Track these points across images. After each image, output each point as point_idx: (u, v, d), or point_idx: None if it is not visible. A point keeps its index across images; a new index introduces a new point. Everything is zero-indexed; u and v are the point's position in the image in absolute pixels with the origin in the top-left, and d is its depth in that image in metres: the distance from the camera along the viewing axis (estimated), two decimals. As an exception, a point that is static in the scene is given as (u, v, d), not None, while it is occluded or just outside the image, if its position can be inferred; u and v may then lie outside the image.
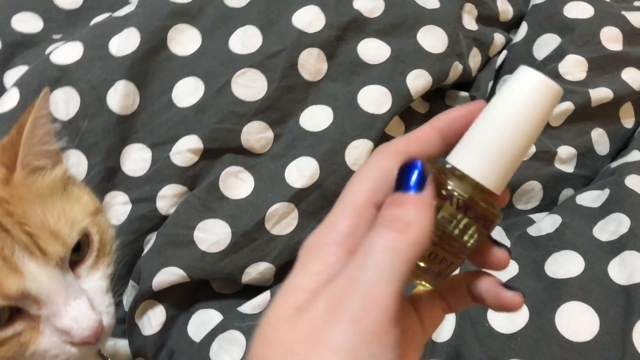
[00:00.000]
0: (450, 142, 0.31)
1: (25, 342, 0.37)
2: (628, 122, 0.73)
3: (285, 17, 0.64)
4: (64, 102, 0.59)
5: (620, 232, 0.56)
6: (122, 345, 0.58)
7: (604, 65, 0.71)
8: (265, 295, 0.57)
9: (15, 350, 0.37)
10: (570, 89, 0.68)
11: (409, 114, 0.67)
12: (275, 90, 0.61)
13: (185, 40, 0.63)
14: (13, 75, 0.66)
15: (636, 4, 0.81)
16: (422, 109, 0.70)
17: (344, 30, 0.64)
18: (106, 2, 0.76)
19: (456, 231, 0.29)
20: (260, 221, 0.58)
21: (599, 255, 0.55)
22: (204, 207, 0.58)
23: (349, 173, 0.60)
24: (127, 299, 0.58)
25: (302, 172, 0.59)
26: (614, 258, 0.54)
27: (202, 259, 0.56)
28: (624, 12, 0.75)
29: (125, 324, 0.57)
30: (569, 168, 0.68)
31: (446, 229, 0.29)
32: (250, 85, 0.61)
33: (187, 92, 0.61)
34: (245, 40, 0.63)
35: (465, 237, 0.29)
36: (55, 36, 0.72)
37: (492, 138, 0.29)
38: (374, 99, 0.63)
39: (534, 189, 0.66)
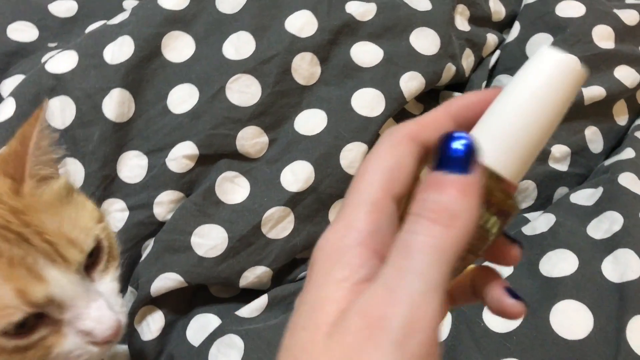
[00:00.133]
0: (463, 129, 0.27)
1: (49, 346, 0.39)
2: (621, 119, 0.73)
3: (278, 23, 0.64)
4: (60, 111, 0.60)
5: (613, 230, 0.56)
6: (121, 350, 0.59)
7: (597, 64, 0.71)
8: (263, 299, 0.57)
9: (41, 354, 0.39)
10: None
11: (403, 116, 0.68)
12: (269, 95, 0.62)
13: (179, 47, 0.63)
14: (9, 84, 0.67)
15: (628, 1, 0.81)
16: (416, 110, 0.71)
17: (337, 34, 0.65)
18: (101, 9, 0.76)
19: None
20: (257, 225, 0.58)
21: (593, 253, 0.55)
22: (201, 212, 0.58)
23: (343, 176, 0.60)
24: (126, 304, 0.59)
25: (297, 176, 0.60)
26: (607, 256, 0.54)
27: (199, 264, 0.57)
28: (615, 10, 0.75)
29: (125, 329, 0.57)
30: (563, 167, 0.68)
31: None
32: (244, 91, 0.61)
33: (182, 98, 0.62)
34: (239, 46, 0.63)
35: (483, 231, 0.27)
36: (51, 44, 0.73)
37: (510, 124, 0.26)
38: (368, 102, 0.63)
39: (528, 188, 0.67)
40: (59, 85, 0.61)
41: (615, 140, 0.73)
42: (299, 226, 0.59)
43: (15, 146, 0.42)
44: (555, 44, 0.72)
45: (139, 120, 0.61)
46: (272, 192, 0.60)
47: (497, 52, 0.77)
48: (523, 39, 0.76)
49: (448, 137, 0.24)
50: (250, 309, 0.57)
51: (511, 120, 0.26)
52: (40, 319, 0.39)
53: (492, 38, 0.77)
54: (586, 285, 0.53)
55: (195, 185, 0.60)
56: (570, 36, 0.72)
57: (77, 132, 0.59)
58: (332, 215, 0.61)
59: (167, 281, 0.56)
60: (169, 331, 0.58)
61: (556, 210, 0.62)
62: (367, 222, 0.24)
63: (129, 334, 0.57)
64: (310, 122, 0.63)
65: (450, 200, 0.23)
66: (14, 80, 0.66)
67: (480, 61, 0.76)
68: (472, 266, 0.30)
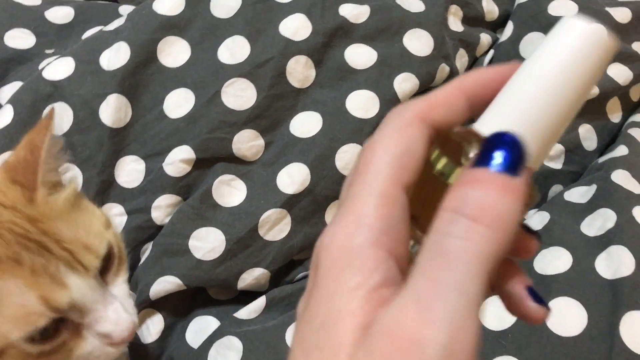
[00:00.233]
0: (477, 108, 0.25)
1: (70, 349, 0.41)
2: (615, 117, 0.74)
3: (272, 26, 0.65)
4: (58, 117, 0.60)
5: (606, 227, 0.57)
6: (121, 353, 0.59)
7: (589, 62, 0.71)
8: (261, 301, 0.58)
9: (63, 357, 0.41)
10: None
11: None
12: (264, 98, 0.62)
13: (174, 52, 0.64)
14: (7, 91, 0.67)
15: (620, -1, 0.82)
16: (411, 111, 0.71)
17: (331, 36, 0.65)
18: (97, 15, 0.77)
19: None
20: (254, 228, 0.59)
21: (587, 250, 0.56)
22: (198, 216, 0.59)
23: (339, 177, 0.61)
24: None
25: (293, 178, 0.60)
26: (601, 253, 0.55)
27: (197, 267, 0.57)
28: (607, 9, 0.76)
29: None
30: (557, 165, 0.69)
31: None
32: (239, 95, 0.62)
33: (178, 103, 0.62)
34: (234, 50, 0.64)
35: None
36: (48, 51, 0.73)
37: (530, 102, 0.23)
38: (362, 104, 0.64)
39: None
40: (56, 92, 0.61)
41: (609, 137, 0.73)
42: (295, 228, 0.60)
43: (25, 154, 0.43)
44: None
45: (136, 126, 0.62)
46: (269, 194, 0.60)
47: (491, 52, 0.78)
48: (516, 38, 0.76)
49: (497, 136, 0.22)
50: (249, 311, 0.57)
51: (531, 98, 0.23)
52: (62, 323, 0.40)
53: (485, 38, 0.77)
54: (580, 282, 0.53)
55: (192, 188, 0.61)
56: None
57: (75, 138, 0.60)
58: (328, 216, 0.62)
59: (165, 284, 0.56)
60: (168, 334, 0.58)
61: (550, 208, 0.63)
62: (378, 217, 0.22)
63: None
64: (306, 124, 0.63)
65: (496, 199, 0.20)
66: (12, 88, 0.67)
67: (474, 61, 0.77)
68: None
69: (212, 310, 0.60)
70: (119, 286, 0.46)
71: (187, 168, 0.60)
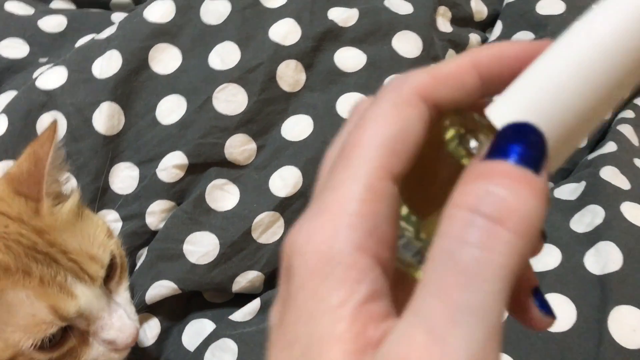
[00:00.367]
0: (491, 89, 0.21)
1: (77, 356, 0.43)
2: (605, 113, 0.74)
3: (262, 32, 0.65)
4: (52, 126, 0.61)
5: (595, 223, 0.57)
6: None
7: (578, 60, 0.72)
8: (256, 303, 0.59)
9: None
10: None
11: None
12: (255, 103, 0.63)
13: (166, 59, 0.65)
14: (2, 101, 0.68)
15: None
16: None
17: (320, 40, 0.66)
18: (90, 23, 0.78)
19: None
20: (247, 231, 0.59)
21: (576, 247, 0.56)
22: (192, 220, 0.60)
23: (331, 180, 0.62)
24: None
25: (285, 181, 0.61)
26: (589, 249, 0.55)
27: (192, 271, 0.58)
28: (594, 6, 0.76)
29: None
30: (547, 162, 0.70)
31: None
32: (231, 100, 0.63)
33: (170, 109, 0.63)
34: (224, 56, 0.64)
35: None
36: (42, 60, 0.74)
37: (560, 90, 0.19)
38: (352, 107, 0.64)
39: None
40: (49, 101, 0.62)
41: (599, 134, 0.74)
42: (288, 231, 0.60)
43: (29, 166, 0.45)
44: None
45: (129, 133, 0.62)
46: (262, 198, 0.61)
47: (481, 52, 0.79)
48: (505, 37, 0.77)
49: (514, 127, 0.18)
50: (244, 313, 0.58)
51: (561, 87, 0.19)
52: (69, 331, 0.42)
53: (474, 38, 0.78)
54: (569, 278, 0.54)
55: (185, 194, 0.62)
56: (551, 33, 0.73)
57: (69, 147, 0.60)
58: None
59: (161, 289, 0.57)
60: (165, 337, 0.59)
61: (540, 205, 0.63)
62: (362, 215, 0.18)
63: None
64: (297, 128, 0.64)
65: (524, 198, 0.16)
66: (7, 97, 0.67)
67: (464, 61, 0.78)
68: None
69: (208, 313, 0.60)
70: (122, 294, 0.48)
71: (180, 173, 0.61)
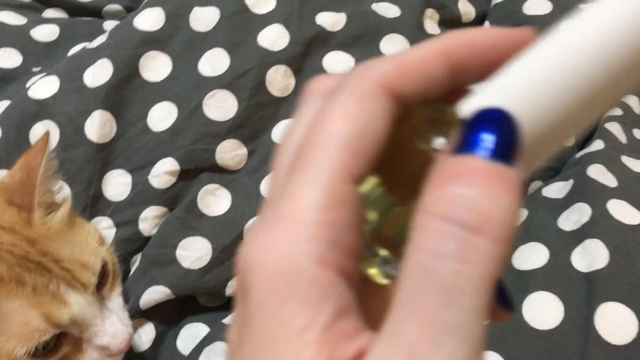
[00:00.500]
0: (463, 78, 0.19)
1: None
2: (593, 111, 0.75)
3: (251, 38, 0.66)
4: (44, 135, 0.62)
5: (582, 221, 0.58)
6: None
7: (565, 59, 0.73)
8: (249, 306, 0.59)
9: None
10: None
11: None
12: (245, 108, 0.64)
13: (156, 66, 0.66)
14: (-4, 110, 0.69)
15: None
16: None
17: (309, 45, 0.67)
18: (82, 32, 0.78)
19: None
20: (239, 235, 0.60)
21: (563, 245, 0.57)
22: (184, 225, 0.60)
23: (321, 183, 0.62)
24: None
25: (276, 185, 0.62)
26: (576, 247, 0.56)
27: (185, 276, 0.59)
28: (581, 6, 0.77)
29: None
30: (535, 161, 0.70)
31: None
32: (221, 106, 0.64)
33: (162, 116, 0.64)
34: (214, 62, 0.65)
35: None
36: (35, 69, 0.75)
37: (543, 87, 0.18)
38: (341, 110, 0.65)
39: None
40: (42, 110, 0.63)
41: (588, 132, 0.75)
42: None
43: (21, 177, 0.46)
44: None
45: (121, 140, 0.63)
46: (253, 202, 0.62)
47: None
48: (493, 38, 0.78)
49: (485, 113, 0.17)
50: (237, 317, 0.59)
51: (551, 85, 0.17)
52: (63, 338, 0.43)
53: (463, 39, 0.79)
54: (556, 276, 0.54)
55: (178, 199, 0.62)
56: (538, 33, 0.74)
57: (62, 155, 0.61)
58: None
59: (155, 294, 0.58)
60: (160, 342, 0.60)
61: (528, 204, 0.64)
62: (323, 225, 0.17)
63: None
64: (287, 132, 0.65)
65: (497, 199, 0.15)
66: (1, 106, 0.68)
67: (452, 62, 0.78)
68: None
69: (202, 318, 0.61)
70: (115, 300, 0.49)
71: (172, 179, 0.62)
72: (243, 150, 0.64)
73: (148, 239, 0.61)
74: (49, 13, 0.84)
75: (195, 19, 0.67)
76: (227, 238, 0.60)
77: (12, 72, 0.74)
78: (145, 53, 0.65)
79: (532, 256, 0.57)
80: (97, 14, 0.84)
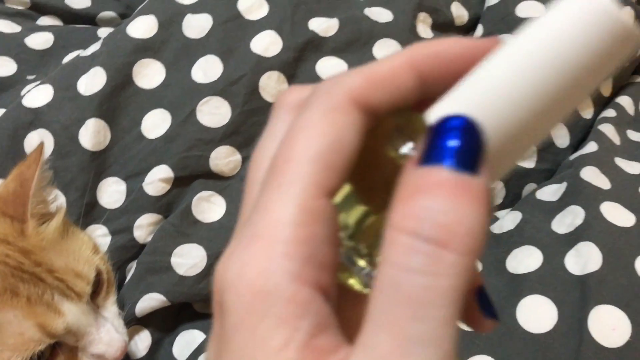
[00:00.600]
0: (432, 88, 0.19)
1: None
2: (587, 113, 0.75)
3: (244, 44, 0.66)
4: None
5: (575, 224, 0.58)
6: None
7: (558, 61, 0.73)
8: (244, 312, 0.60)
9: None
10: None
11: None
12: (239, 114, 0.64)
13: (150, 74, 0.66)
14: (-9, 119, 0.69)
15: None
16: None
17: (301, 51, 0.67)
18: (76, 39, 0.79)
19: None
20: (234, 242, 0.60)
21: (557, 248, 0.57)
22: (179, 233, 0.61)
23: (315, 188, 0.63)
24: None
25: (270, 191, 0.62)
26: (570, 250, 0.56)
27: (180, 283, 0.59)
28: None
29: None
30: (529, 164, 0.70)
31: None
32: (214, 112, 0.64)
33: (155, 123, 0.64)
34: (207, 69, 0.65)
35: None
36: (30, 77, 0.75)
37: (505, 94, 0.18)
38: (335, 115, 0.65)
39: (495, 188, 0.69)
40: (36, 119, 0.63)
41: (582, 134, 0.75)
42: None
43: (15, 188, 0.46)
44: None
45: (116, 148, 0.63)
46: (248, 208, 0.62)
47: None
48: (487, 41, 0.78)
49: (447, 121, 0.17)
50: (232, 323, 0.59)
51: (513, 93, 0.18)
52: (58, 347, 0.43)
53: (456, 42, 0.79)
54: (550, 279, 0.55)
55: (172, 206, 0.62)
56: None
57: (57, 164, 0.61)
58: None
59: (150, 301, 0.58)
60: (156, 349, 0.60)
61: (522, 207, 0.64)
62: (298, 241, 0.17)
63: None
64: (281, 138, 0.65)
65: (463, 211, 0.16)
66: (-4, 115, 0.68)
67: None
68: None
69: (198, 324, 0.61)
70: (109, 308, 0.49)
71: (166, 187, 0.62)
72: (237, 157, 0.64)
73: (143, 246, 0.62)
74: (44, 21, 0.84)
75: (188, 26, 0.68)
76: (222, 245, 0.60)
77: (6, 80, 0.74)
78: (138, 61, 0.66)
79: (526, 260, 0.57)
80: (92, 21, 0.84)
